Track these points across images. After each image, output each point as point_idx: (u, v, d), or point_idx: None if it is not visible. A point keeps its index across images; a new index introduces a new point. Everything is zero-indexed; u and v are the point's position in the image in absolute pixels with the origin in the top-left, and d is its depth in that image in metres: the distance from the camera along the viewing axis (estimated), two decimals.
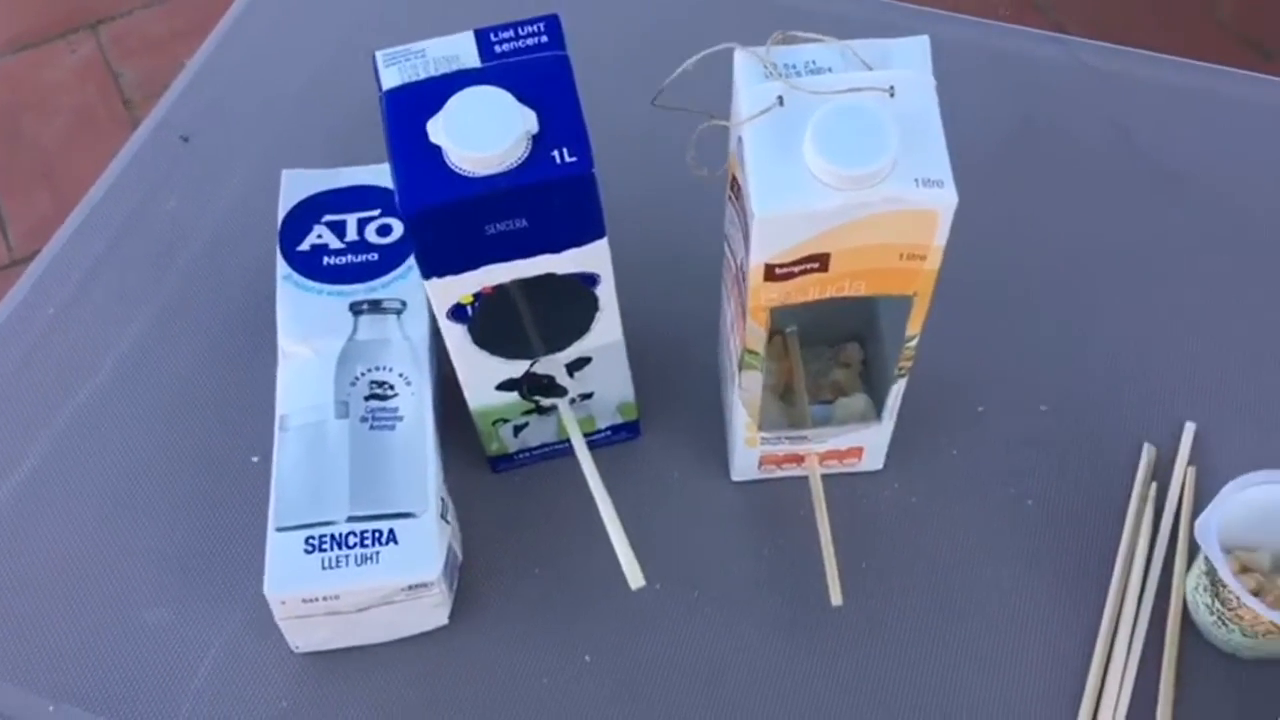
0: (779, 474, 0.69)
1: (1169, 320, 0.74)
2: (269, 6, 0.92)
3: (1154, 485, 0.67)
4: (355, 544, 0.59)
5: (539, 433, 0.68)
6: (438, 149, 0.52)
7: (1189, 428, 0.69)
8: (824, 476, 0.68)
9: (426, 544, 0.60)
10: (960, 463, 0.69)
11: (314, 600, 0.59)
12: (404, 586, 0.60)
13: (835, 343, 0.71)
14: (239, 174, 0.82)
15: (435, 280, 0.55)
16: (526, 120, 0.51)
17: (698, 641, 0.64)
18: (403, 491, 0.61)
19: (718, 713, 0.62)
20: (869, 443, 0.67)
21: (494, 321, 0.58)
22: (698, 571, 0.66)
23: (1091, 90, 0.85)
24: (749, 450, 0.66)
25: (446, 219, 0.52)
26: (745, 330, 0.58)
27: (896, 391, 0.63)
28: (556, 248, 0.55)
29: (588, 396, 0.66)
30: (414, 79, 0.54)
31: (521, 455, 0.69)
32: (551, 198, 0.52)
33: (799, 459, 0.67)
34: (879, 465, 0.69)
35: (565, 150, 0.52)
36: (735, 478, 0.69)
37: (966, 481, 0.68)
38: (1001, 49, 0.87)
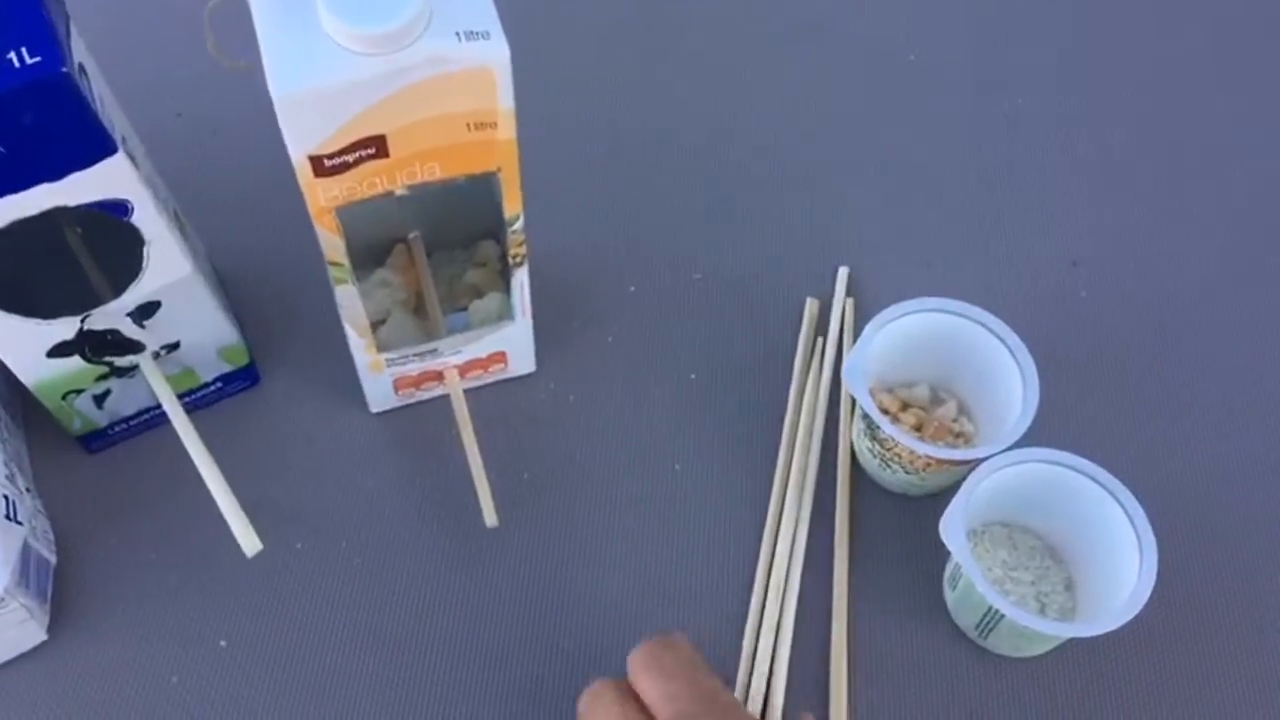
0: (422, 396, 0.62)
1: (815, 170, 0.71)
2: None
3: (819, 340, 0.65)
4: None
5: (130, 399, 0.58)
6: None
7: (842, 272, 0.66)
8: (473, 389, 0.62)
9: None
10: (617, 348, 0.64)
11: None
12: None
13: (469, 242, 0.64)
14: None
15: None
16: None
17: (352, 597, 0.57)
18: None
19: (381, 669, 0.55)
20: (510, 345, 0.61)
21: (10, 275, 0.48)
22: (344, 520, 0.59)
23: None
24: (377, 376, 0.59)
25: None
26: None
27: (521, 282, 0.57)
28: (53, 174, 0.45)
29: (174, 347, 0.57)
30: None
31: (117, 428, 0.59)
32: (19, 111, 0.42)
33: (439, 376, 0.61)
34: (531, 367, 0.63)
35: (24, 50, 0.42)
36: (374, 409, 0.62)
37: (625, 367, 0.64)
38: None
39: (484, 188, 0.53)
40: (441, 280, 0.63)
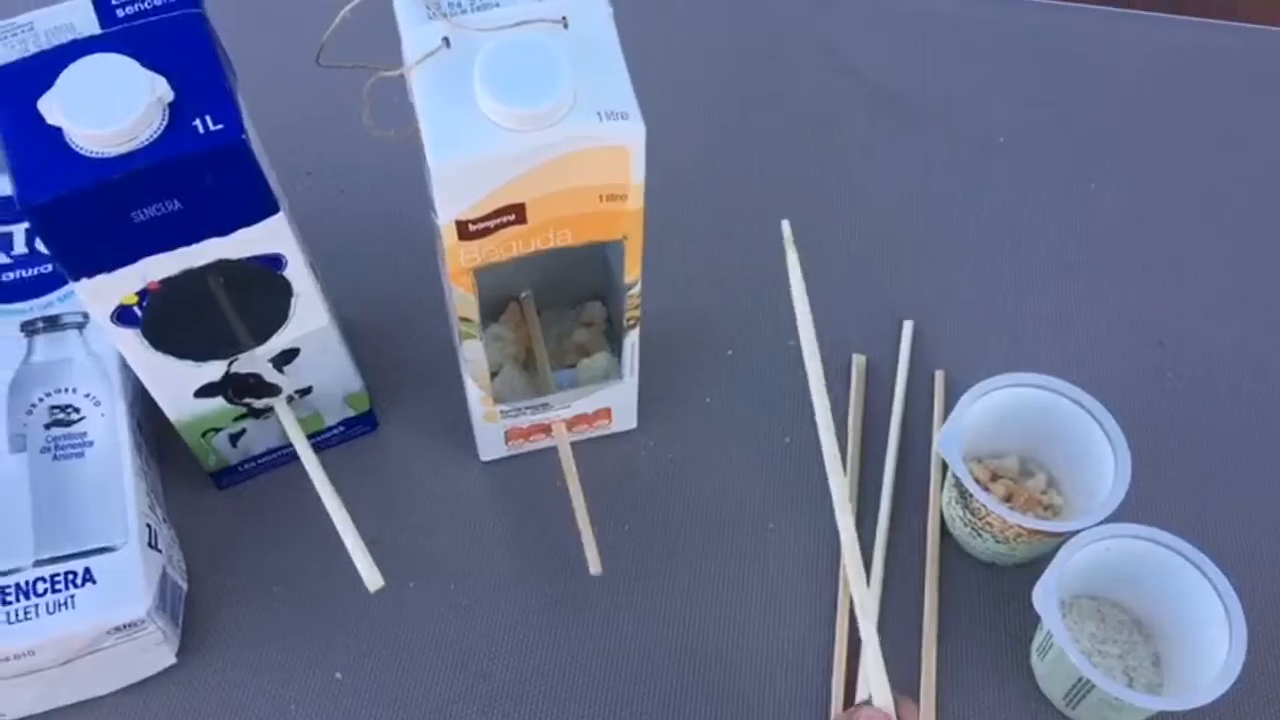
0: (530, 447, 0.65)
1: (906, 243, 0.74)
2: None
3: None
4: (45, 590, 0.52)
5: (261, 439, 0.62)
6: (58, 131, 0.45)
7: (907, 326, 0.69)
8: (578, 443, 0.65)
9: (130, 578, 0.53)
10: (715, 409, 0.67)
11: (4, 660, 0.52)
12: (110, 629, 0.53)
13: (576, 303, 0.68)
14: None
15: (85, 282, 0.48)
16: (156, 87, 0.45)
17: (459, 636, 0.59)
18: (97, 524, 0.54)
19: (488, 706, 0.58)
20: (616, 403, 0.64)
21: (172, 320, 0.52)
22: (453, 562, 0.62)
23: (804, 15, 0.84)
24: (490, 426, 0.62)
25: (79, 209, 0.45)
26: (453, 298, 0.53)
27: (632, 344, 0.60)
28: (223, 229, 0.49)
29: (306, 392, 0.60)
30: (24, 54, 0.47)
31: (247, 466, 0.63)
32: (201, 172, 0.46)
33: (546, 429, 0.64)
34: (632, 424, 0.66)
35: (208, 117, 0.46)
36: (484, 458, 0.65)
37: (722, 428, 0.66)
38: None
39: (595, 251, 0.56)
40: (550, 338, 0.66)
